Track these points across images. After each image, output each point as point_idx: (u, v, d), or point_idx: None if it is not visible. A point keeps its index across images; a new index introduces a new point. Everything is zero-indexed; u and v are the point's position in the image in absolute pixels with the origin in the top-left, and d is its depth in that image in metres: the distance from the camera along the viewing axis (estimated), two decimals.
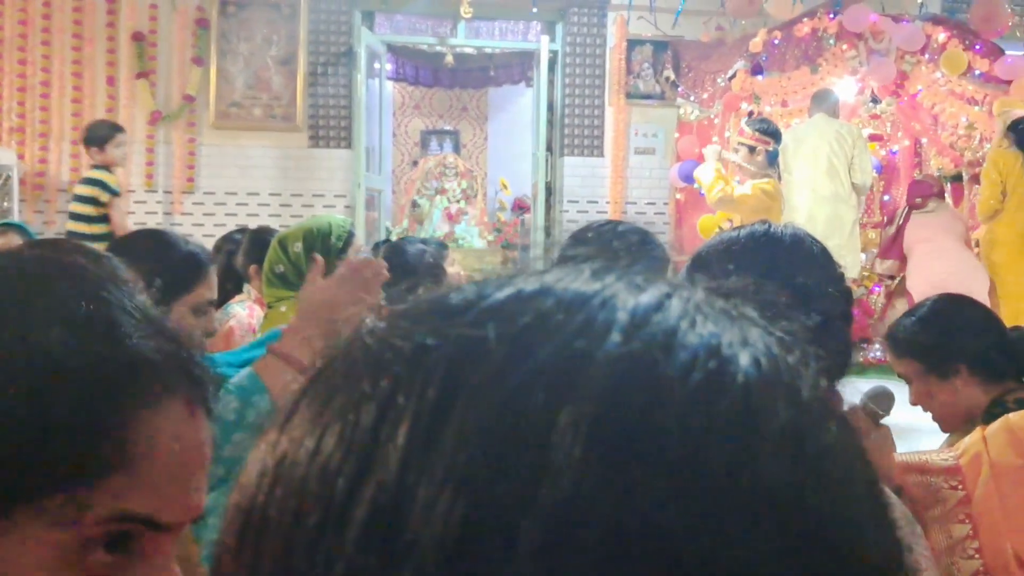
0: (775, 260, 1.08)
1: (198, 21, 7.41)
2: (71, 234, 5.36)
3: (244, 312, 3.18)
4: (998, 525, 1.03)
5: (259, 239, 3.28)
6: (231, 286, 3.35)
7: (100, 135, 5.55)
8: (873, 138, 7.94)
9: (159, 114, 7.35)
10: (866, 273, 7.00)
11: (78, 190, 5.62)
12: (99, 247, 2.05)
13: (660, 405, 0.29)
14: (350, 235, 2.63)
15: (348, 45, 7.69)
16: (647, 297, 0.33)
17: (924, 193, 7.02)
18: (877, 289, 6.99)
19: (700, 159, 7.41)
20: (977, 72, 6.89)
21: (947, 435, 1.92)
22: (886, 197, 8.26)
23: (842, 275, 1.11)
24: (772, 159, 5.65)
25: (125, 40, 7.32)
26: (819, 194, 6.10)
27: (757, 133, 5.67)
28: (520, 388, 0.29)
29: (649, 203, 8.16)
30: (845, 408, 1.85)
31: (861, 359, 6.78)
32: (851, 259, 6.24)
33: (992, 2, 7.13)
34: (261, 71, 7.60)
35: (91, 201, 5.42)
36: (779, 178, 6.00)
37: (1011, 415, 1.13)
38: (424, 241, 4.16)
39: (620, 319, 0.31)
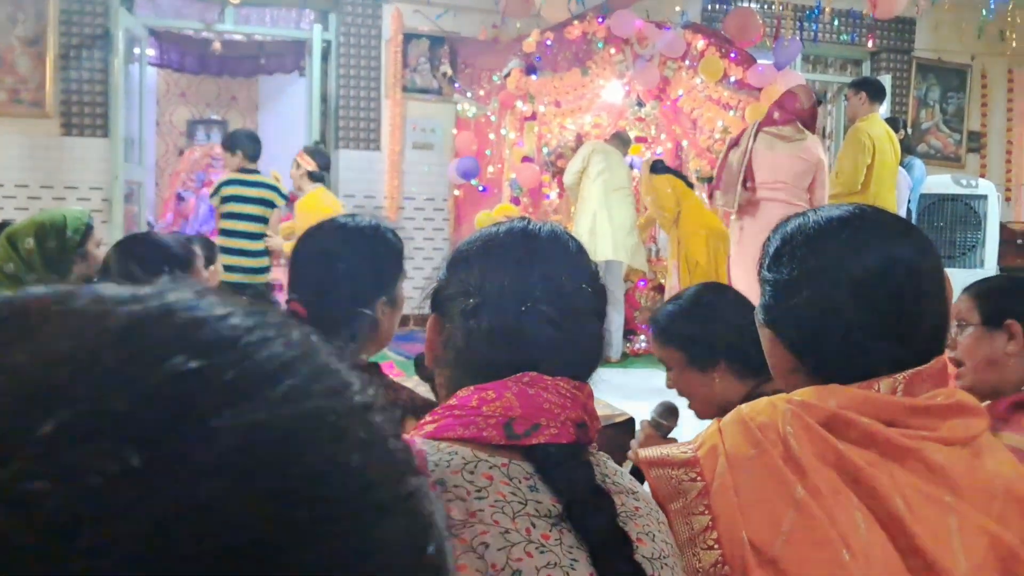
0: (532, 255, 1.06)
1: None
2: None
3: None
4: (734, 515, 1.05)
5: None
6: None
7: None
8: (638, 140, 8.29)
9: None
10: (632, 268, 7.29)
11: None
12: None
13: None
14: (88, 228, 2.44)
15: (104, 27, 7.19)
16: None
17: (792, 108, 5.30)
18: (642, 284, 7.29)
19: (478, 155, 7.49)
20: (732, 79, 7.32)
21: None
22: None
23: (597, 272, 1.11)
24: (315, 177, 5.98)
25: None
26: (609, 195, 6.64)
27: (306, 155, 6.09)
28: None
29: (428, 199, 8.15)
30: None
31: (627, 350, 7.05)
32: (643, 252, 6.98)
33: (745, 13, 7.61)
34: (5, 52, 6.99)
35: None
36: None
37: (743, 406, 1.16)
38: (188, 238, 3.93)
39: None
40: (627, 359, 6.93)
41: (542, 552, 0.89)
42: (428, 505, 0.32)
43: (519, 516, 0.91)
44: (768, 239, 1.25)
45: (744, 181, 5.15)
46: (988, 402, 2.00)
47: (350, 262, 1.67)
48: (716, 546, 1.05)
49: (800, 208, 4.87)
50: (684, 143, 8.46)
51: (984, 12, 7.48)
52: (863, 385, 1.12)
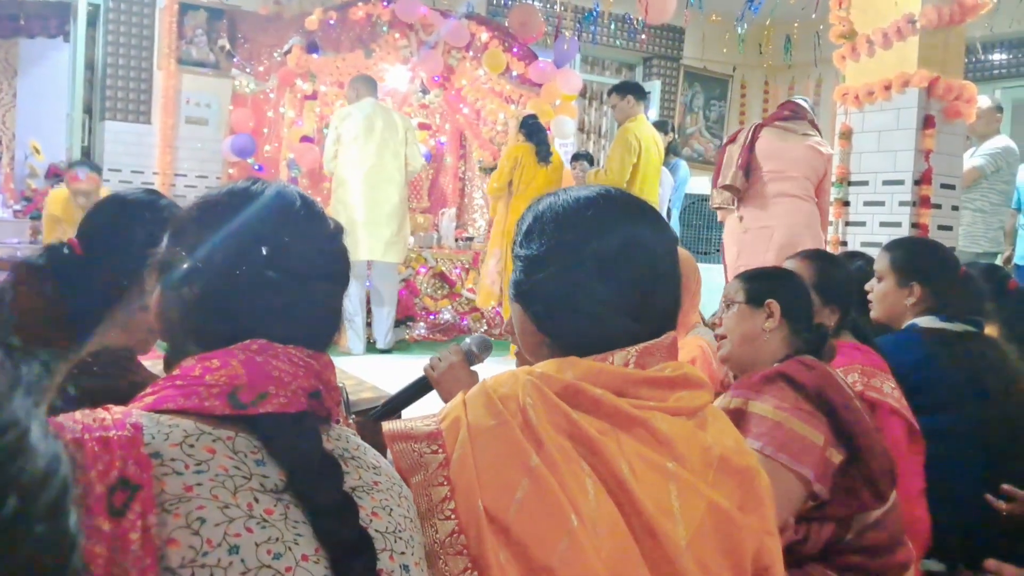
0: (252, 216, 1.01)
1: None
2: None
3: None
4: (471, 484, 1.05)
5: None
6: None
7: None
8: (422, 127, 8.32)
9: None
10: (413, 255, 7.30)
11: None
12: None
13: None
14: None
15: None
16: None
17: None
18: (423, 270, 7.32)
19: (255, 133, 7.27)
20: (514, 73, 7.48)
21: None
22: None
23: (335, 235, 1.07)
24: None
25: None
26: (370, 176, 6.32)
27: None
28: None
29: (200, 176, 7.83)
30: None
31: (407, 336, 7.07)
32: (401, 242, 6.56)
33: (528, 9, 7.78)
34: None
35: None
36: None
37: (488, 379, 1.18)
38: None
39: None
40: (406, 345, 6.95)
41: (263, 527, 0.86)
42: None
43: (241, 491, 0.87)
44: (522, 217, 1.28)
45: (746, 172, 4.88)
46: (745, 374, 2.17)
47: (124, 224, 1.61)
48: (453, 516, 1.06)
49: (808, 206, 4.73)
50: (467, 133, 8.56)
51: (741, 27, 8.00)
52: (599, 358, 1.16)
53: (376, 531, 0.95)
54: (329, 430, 1.02)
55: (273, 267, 0.98)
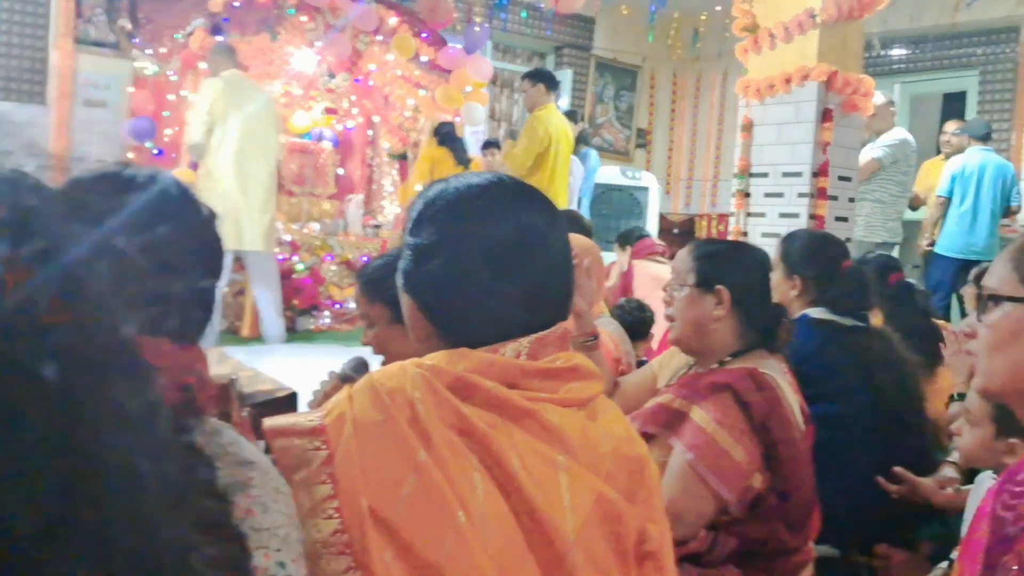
0: (133, 205, 0.98)
1: None
2: None
3: None
4: (356, 482, 1.03)
5: None
6: None
7: None
8: (329, 112, 8.20)
9: None
10: (318, 242, 7.19)
11: None
12: None
13: None
14: None
15: None
16: None
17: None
18: (329, 258, 7.22)
19: (155, 116, 7.06)
20: (424, 59, 7.42)
21: None
22: (340, 171, 8.59)
23: (209, 222, 1.03)
24: None
25: None
26: (239, 157, 5.99)
27: None
28: None
29: (99, 160, 7.56)
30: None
31: (312, 327, 6.97)
32: (273, 229, 6.31)
33: None
34: None
35: None
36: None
37: (375, 372, 1.16)
38: None
39: None
40: (310, 335, 6.85)
41: None
42: None
43: None
44: (412, 204, 1.24)
45: None
46: (695, 370, 2.13)
47: None
48: (336, 515, 1.03)
49: None
50: (376, 119, 8.47)
51: (651, 18, 8.09)
52: (490, 349, 1.14)
53: (250, 528, 0.92)
54: (202, 426, 0.98)
55: (146, 257, 0.95)
